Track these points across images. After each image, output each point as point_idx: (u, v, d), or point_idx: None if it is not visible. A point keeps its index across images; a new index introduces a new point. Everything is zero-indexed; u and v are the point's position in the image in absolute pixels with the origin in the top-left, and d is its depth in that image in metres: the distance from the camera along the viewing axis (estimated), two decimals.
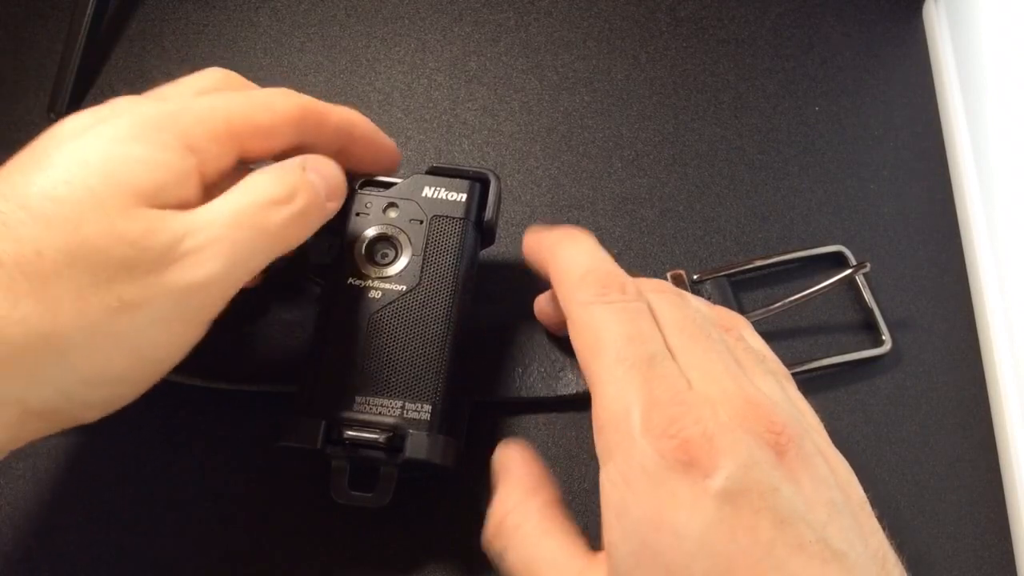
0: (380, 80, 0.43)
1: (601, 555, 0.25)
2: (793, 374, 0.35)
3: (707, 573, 0.22)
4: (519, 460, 0.30)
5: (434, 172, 0.34)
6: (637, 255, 0.39)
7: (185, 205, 0.26)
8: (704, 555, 0.22)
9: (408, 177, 0.32)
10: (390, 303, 0.31)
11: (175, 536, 0.33)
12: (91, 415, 0.26)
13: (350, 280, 0.31)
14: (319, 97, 0.43)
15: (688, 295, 0.29)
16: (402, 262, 0.31)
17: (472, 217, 0.32)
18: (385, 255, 0.32)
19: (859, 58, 0.43)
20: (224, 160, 0.27)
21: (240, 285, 0.26)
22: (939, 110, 0.42)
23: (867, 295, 0.37)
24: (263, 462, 0.34)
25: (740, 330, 0.29)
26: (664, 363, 0.25)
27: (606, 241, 0.39)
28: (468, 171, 0.35)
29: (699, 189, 0.40)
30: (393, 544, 0.33)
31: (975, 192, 0.39)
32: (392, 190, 0.32)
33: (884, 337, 0.36)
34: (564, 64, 0.43)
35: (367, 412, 0.30)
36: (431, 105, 0.42)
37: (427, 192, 0.32)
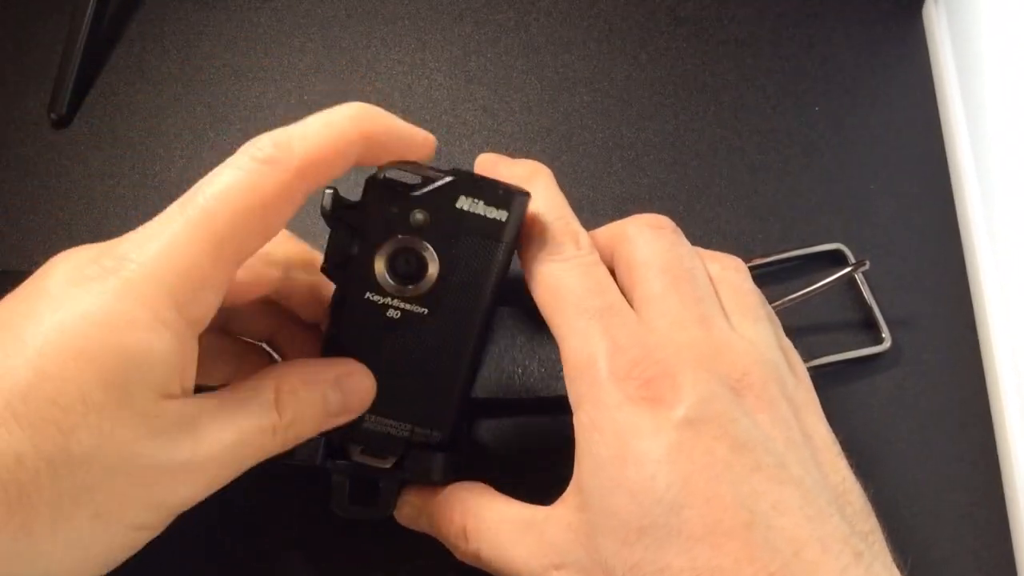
0: (380, 80, 0.43)
1: (567, 497, 0.26)
2: None
3: (667, 490, 0.23)
4: (426, 492, 0.30)
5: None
6: None
7: (184, 383, 0.23)
8: (664, 474, 0.23)
9: (442, 171, 0.27)
10: (408, 326, 0.28)
11: (175, 548, 0.33)
12: None
13: (367, 295, 0.28)
14: (320, 97, 0.43)
15: (682, 237, 0.29)
16: (426, 282, 0.28)
17: (509, 240, 0.28)
18: (408, 270, 0.28)
19: (859, 58, 0.43)
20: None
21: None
22: (939, 110, 0.42)
23: (866, 293, 0.37)
24: (263, 473, 0.34)
25: (731, 273, 0.29)
26: (623, 311, 0.26)
27: None
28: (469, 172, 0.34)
29: (699, 189, 0.40)
30: (394, 555, 0.33)
31: (975, 191, 0.39)
32: (424, 192, 0.27)
33: (884, 335, 0.36)
34: (564, 64, 0.43)
35: (374, 430, 0.29)
36: (431, 105, 0.42)
37: (463, 204, 0.27)
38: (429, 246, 0.27)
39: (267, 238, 0.24)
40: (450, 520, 0.28)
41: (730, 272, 0.29)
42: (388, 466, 0.29)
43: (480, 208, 0.27)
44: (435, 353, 0.28)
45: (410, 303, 0.28)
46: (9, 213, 0.40)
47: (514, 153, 0.41)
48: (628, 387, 0.25)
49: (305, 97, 0.42)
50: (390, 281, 0.28)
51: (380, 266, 0.27)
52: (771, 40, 0.44)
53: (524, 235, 0.28)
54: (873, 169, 0.41)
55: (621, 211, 0.39)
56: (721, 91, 0.43)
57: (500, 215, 0.27)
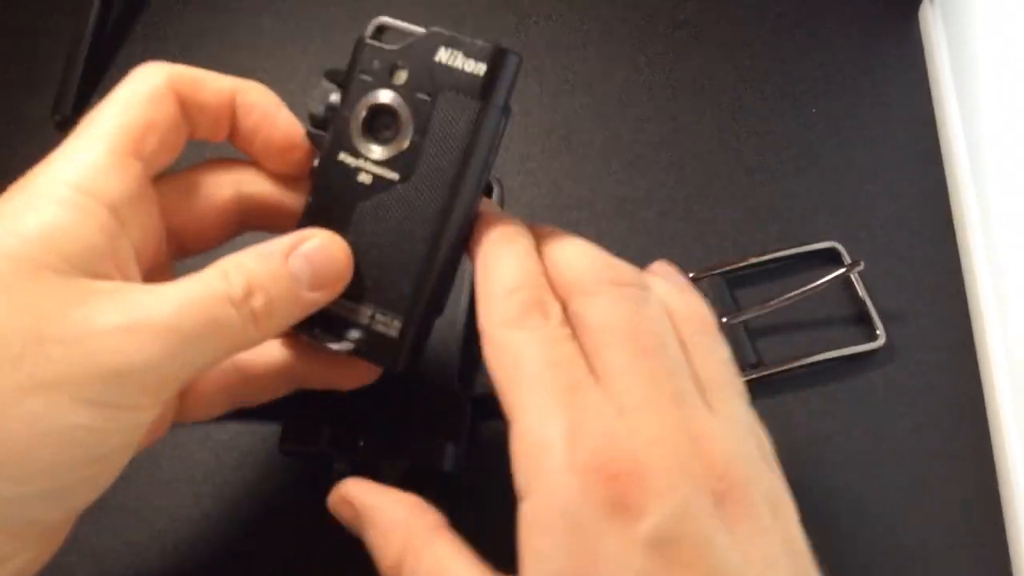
0: None
1: None
2: (788, 370, 0.36)
3: None
4: (375, 491, 0.27)
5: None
6: (636, 256, 0.38)
7: (122, 272, 0.23)
8: None
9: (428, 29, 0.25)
10: (379, 192, 0.25)
11: (173, 543, 0.33)
12: (24, 549, 0.22)
13: (341, 156, 0.26)
14: None
15: (653, 291, 0.25)
16: (399, 144, 0.25)
17: (493, 99, 0.25)
18: (385, 131, 0.25)
19: (856, 60, 0.44)
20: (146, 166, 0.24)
21: (185, 379, 0.23)
22: (935, 111, 0.43)
23: (861, 292, 0.37)
24: (262, 464, 0.34)
25: (702, 337, 0.25)
26: (590, 391, 0.22)
27: (605, 242, 0.39)
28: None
29: (697, 191, 0.40)
30: None
31: (970, 192, 0.40)
32: (403, 45, 0.25)
33: (878, 332, 0.37)
34: (563, 66, 0.44)
35: (335, 310, 0.26)
36: None
37: (442, 56, 0.25)
38: (407, 102, 0.25)
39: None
40: (388, 543, 0.25)
41: (700, 336, 0.25)
42: (342, 349, 0.26)
43: (459, 61, 0.25)
44: (405, 227, 0.25)
45: (382, 167, 0.25)
46: None
47: (513, 155, 0.41)
48: (588, 482, 0.21)
49: (308, 100, 0.43)
50: (364, 142, 0.26)
51: (355, 125, 0.26)
52: (769, 42, 0.44)
53: (485, 292, 0.25)
54: (870, 170, 0.41)
55: (620, 212, 0.40)
56: (719, 93, 0.43)
57: (479, 68, 0.25)
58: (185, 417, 0.28)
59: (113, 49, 0.44)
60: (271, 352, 0.29)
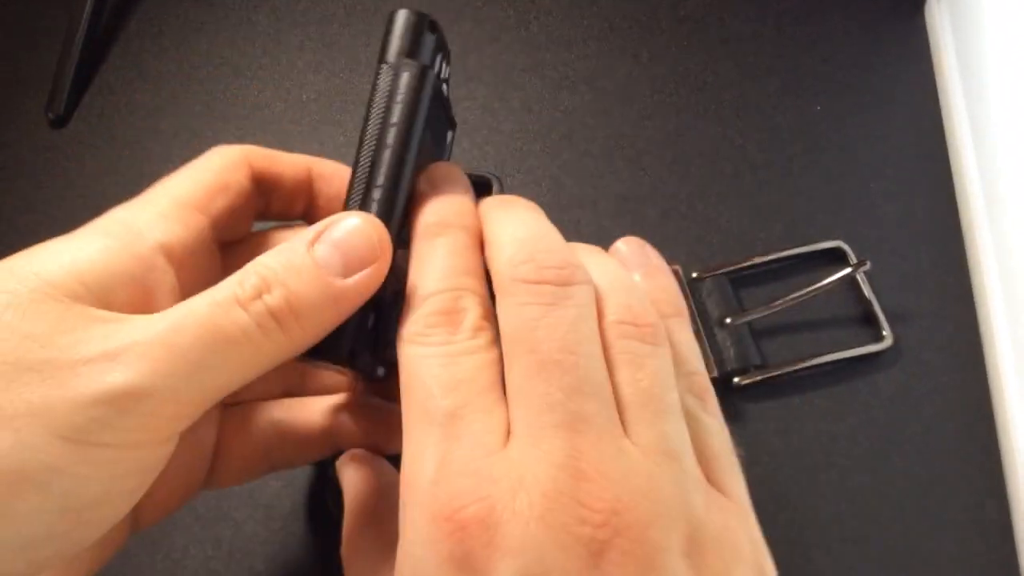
0: None
1: None
2: (794, 371, 0.35)
3: None
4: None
5: None
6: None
7: (143, 305, 0.21)
8: None
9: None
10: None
11: (172, 542, 0.33)
12: None
13: None
14: (318, 95, 0.43)
15: (581, 286, 0.22)
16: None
17: (385, 57, 0.26)
18: None
19: (861, 57, 0.43)
20: (188, 231, 0.23)
21: (200, 402, 0.20)
22: (941, 108, 0.42)
23: (867, 292, 0.37)
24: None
25: (645, 347, 0.21)
26: (476, 417, 0.20)
27: (607, 241, 0.39)
28: (471, 175, 0.34)
29: (701, 188, 0.40)
30: None
31: (977, 190, 0.39)
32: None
33: (885, 333, 0.36)
34: (565, 62, 0.43)
35: None
36: None
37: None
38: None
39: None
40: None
41: (640, 341, 0.21)
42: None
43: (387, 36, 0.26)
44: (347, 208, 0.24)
45: None
46: (6, 213, 0.40)
47: (514, 152, 0.41)
48: (437, 533, 0.18)
49: (304, 96, 0.42)
50: None
51: None
52: (773, 38, 0.44)
53: (407, 304, 0.22)
54: (875, 168, 0.41)
55: (622, 210, 0.39)
56: (723, 90, 0.42)
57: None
58: (217, 483, 0.26)
59: (107, 46, 0.44)
60: (312, 412, 0.27)
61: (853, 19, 0.44)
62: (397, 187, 0.24)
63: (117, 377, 0.18)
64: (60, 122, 0.42)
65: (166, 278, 0.22)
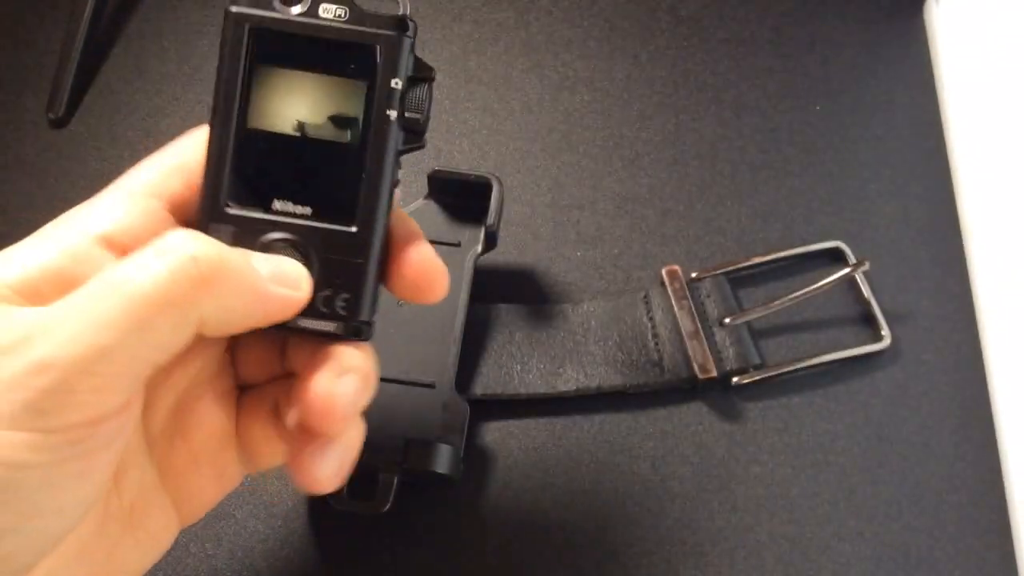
0: None
1: None
2: (793, 371, 0.36)
3: None
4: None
5: (435, 176, 0.33)
6: (638, 255, 0.39)
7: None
8: None
9: None
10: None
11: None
12: None
13: None
14: None
15: None
16: None
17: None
18: None
19: (860, 57, 0.43)
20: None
21: (124, 370, 0.20)
22: (940, 109, 0.42)
23: (866, 292, 0.37)
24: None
25: None
26: None
27: (607, 241, 0.39)
28: (471, 176, 0.35)
29: (700, 189, 0.40)
30: (393, 548, 0.33)
31: (976, 191, 0.39)
32: None
33: (883, 333, 0.36)
34: (564, 63, 0.43)
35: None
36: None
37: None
38: None
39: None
40: None
41: None
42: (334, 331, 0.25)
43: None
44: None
45: None
46: (7, 213, 0.40)
47: (514, 152, 0.41)
48: None
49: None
50: None
51: None
52: (772, 39, 0.44)
53: None
54: (874, 168, 0.41)
55: (621, 210, 0.40)
56: (722, 90, 0.43)
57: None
58: (254, 466, 0.27)
59: (107, 46, 0.44)
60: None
61: (852, 20, 0.44)
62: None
63: (29, 356, 0.19)
64: (60, 122, 0.42)
65: (104, 265, 0.22)
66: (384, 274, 0.25)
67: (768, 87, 0.43)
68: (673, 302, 0.36)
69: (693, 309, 0.36)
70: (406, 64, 0.24)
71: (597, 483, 0.34)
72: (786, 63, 0.43)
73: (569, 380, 0.35)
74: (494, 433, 0.35)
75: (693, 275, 0.37)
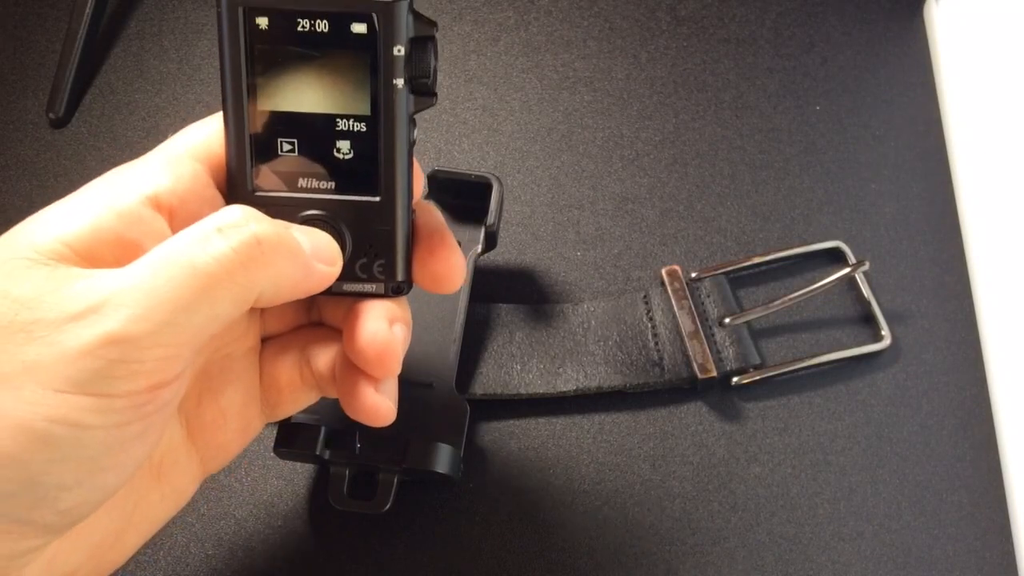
0: None
1: None
2: (793, 371, 0.36)
3: None
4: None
5: (435, 176, 0.33)
6: (638, 255, 0.39)
7: (132, 257, 0.22)
8: None
9: None
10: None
11: (171, 540, 0.33)
12: (37, 545, 0.21)
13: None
14: None
15: None
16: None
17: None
18: None
19: (860, 57, 0.43)
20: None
21: (187, 341, 0.21)
22: (940, 109, 0.42)
23: (866, 291, 0.37)
24: (261, 466, 0.34)
25: None
26: None
27: (607, 241, 0.39)
28: (471, 176, 0.35)
29: (700, 189, 0.40)
30: (393, 548, 0.33)
31: (976, 191, 0.39)
32: None
33: (884, 332, 0.36)
34: (564, 63, 0.43)
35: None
36: None
37: None
38: None
39: None
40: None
41: None
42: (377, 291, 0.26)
43: None
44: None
45: None
46: (7, 213, 0.40)
47: (514, 152, 0.41)
48: None
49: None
50: None
51: None
52: (772, 39, 0.44)
53: None
54: (874, 168, 0.41)
55: (621, 210, 0.40)
56: (722, 90, 0.43)
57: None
58: (275, 414, 0.28)
59: (107, 46, 0.44)
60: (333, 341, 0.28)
61: (852, 20, 0.44)
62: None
63: (100, 328, 0.19)
64: (60, 122, 0.42)
65: (154, 227, 0.23)
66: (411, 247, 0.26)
67: (768, 87, 0.43)
68: (673, 302, 0.36)
69: (693, 309, 0.36)
70: (405, 28, 0.24)
71: (597, 483, 0.34)
72: (786, 63, 0.43)
73: (569, 380, 0.35)
74: (494, 433, 0.35)
75: (693, 275, 0.37)
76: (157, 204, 0.23)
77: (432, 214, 0.27)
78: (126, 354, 0.20)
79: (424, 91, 0.25)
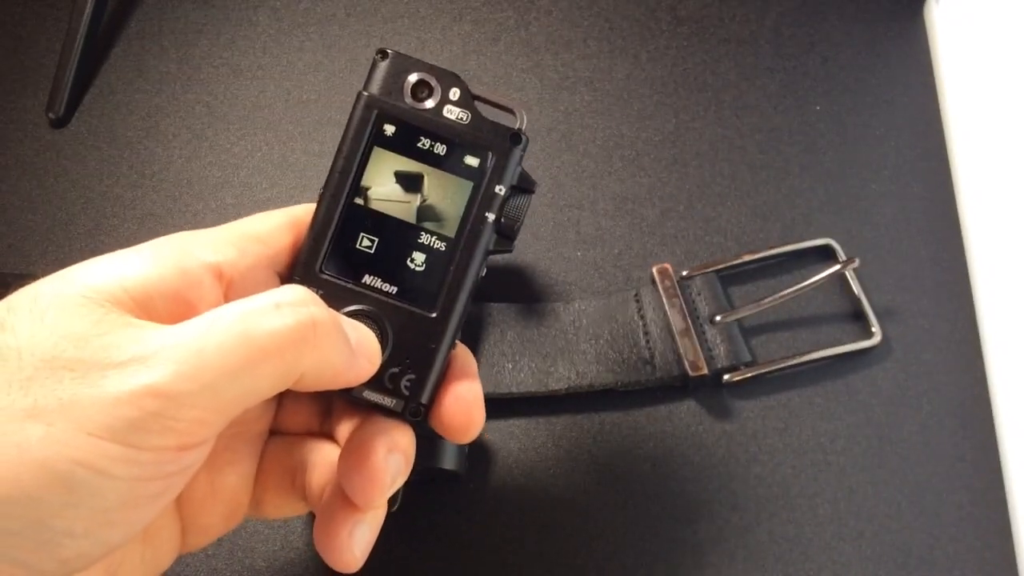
0: None
1: None
2: (782, 368, 0.36)
3: None
4: None
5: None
6: (638, 255, 0.39)
7: (185, 317, 0.21)
8: None
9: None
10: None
11: None
12: None
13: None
14: (318, 96, 0.43)
15: None
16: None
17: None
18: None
19: (860, 57, 0.43)
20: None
21: (225, 407, 0.21)
22: (940, 109, 0.42)
23: (856, 288, 0.37)
24: None
25: None
26: None
27: (606, 241, 0.39)
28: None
29: (700, 189, 0.40)
30: (393, 547, 0.33)
31: (976, 191, 0.39)
32: None
33: (874, 329, 0.36)
34: (564, 63, 0.43)
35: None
36: None
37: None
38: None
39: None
40: None
41: None
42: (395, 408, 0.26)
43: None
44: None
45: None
46: (7, 213, 0.40)
47: None
48: None
49: (304, 96, 0.42)
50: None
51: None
52: (772, 39, 0.44)
53: None
54: (874, 168, 0.41)
55: (621, 210, 0.39)
56: (722, 90, 0.43)
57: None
58: (259, 511, 0.27)
59: (107, 46, 0.44)
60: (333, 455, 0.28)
61: (852, 20, 0.44)
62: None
63: (143, 379, 0.19)
64: (60, 122, 0.42)
65: (211, 295, 0.23)
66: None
67: (768, 87, 0.43)
68: (664, 300, 0.36)
69: (684, 307, 0.36)
70: (512, 173, 0.27)
71: (597, 483, 0.34)
72: (786, 63, 0.43)
73: (561, 378, 0.35)
74: (494, 433, 0.35)
75: (684, 273, 0.37)
76: (219, 274, 0.23)
77: (470, 357, 0.27)
78: (165, 409, 0.19)
79: (507, 234, 0.27)
